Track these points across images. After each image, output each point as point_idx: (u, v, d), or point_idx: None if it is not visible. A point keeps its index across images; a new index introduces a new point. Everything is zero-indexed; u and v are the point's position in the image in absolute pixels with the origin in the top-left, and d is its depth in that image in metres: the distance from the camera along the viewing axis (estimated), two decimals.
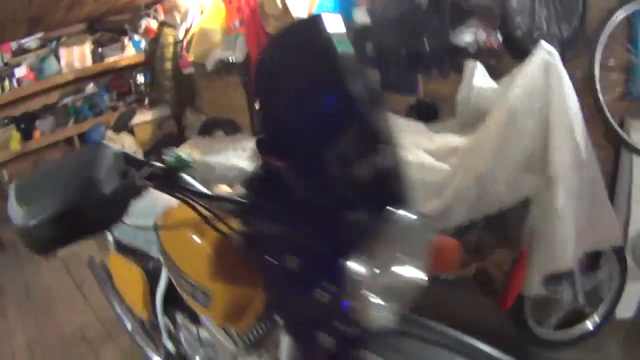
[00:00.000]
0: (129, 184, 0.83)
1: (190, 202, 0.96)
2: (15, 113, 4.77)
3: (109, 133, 5.00)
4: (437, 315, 1.03)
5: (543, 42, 1.72)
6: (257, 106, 0.95)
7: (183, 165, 0.99)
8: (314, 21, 0.88)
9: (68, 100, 5.01)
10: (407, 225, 0.85)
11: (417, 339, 1.00)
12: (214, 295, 1.10)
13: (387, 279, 0.86)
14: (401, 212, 0.85)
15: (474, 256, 1.99)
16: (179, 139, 4.64)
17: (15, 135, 4.57)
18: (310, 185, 0.86)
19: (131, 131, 5.05)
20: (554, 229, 1.74)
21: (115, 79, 5.21)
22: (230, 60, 3.48)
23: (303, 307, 0.90)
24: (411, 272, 0.89)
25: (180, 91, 4.78)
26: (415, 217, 0.86)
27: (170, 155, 0.98)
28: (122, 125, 5.03)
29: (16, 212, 0.78)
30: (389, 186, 0.88)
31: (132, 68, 5.09)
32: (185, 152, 1.08)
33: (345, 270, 0.80)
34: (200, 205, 0.97)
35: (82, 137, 5.07)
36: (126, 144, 5.05)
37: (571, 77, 1.74)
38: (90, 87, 5.08)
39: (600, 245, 1.97)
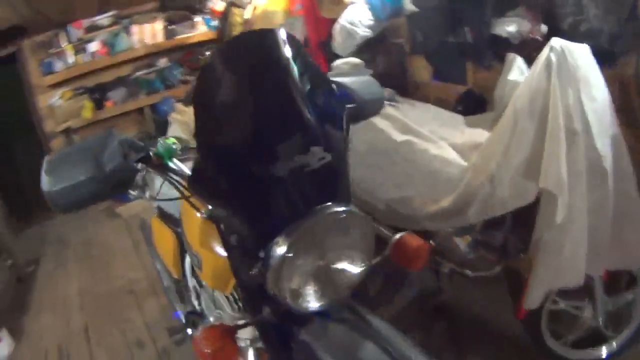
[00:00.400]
0: (127, 164, 1.02)
1: (172, 181, 1.13)
2: (88, 84, 5.08)
3: (178, 105, 5.23)
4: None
5: (554, 39, 1.57)
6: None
7: (170, 153, 1.18)
8: (268, 36, 1.01)
9: (140, 73, 5.28)
10: (339, 218, 0.96)
11: (349, 327, 1.05)
12: (202, 260, 1.25)
13: (311, 266, 0.97)
14: (333, 206, 0.95)
15: (499, 256, 1.94)
16: None
17: (88, 105, 4.90)
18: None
19: None
20: (559, 243, 1.61)
21: (187, 54, 5.42)
22: None
23: (250, 281, 1.01)
24: (343, 264, 1.00)
25: None
26: (346, 209, 0.95)
27: (161, 144, 1.18)
28: (191, 99, 5.25)
29: (44, 180, 1.00)
30: (325, 183, 0.97)
31: (203, 44, 5.29)
32: (173, 140, 1.23)
33: (268, 253, 0.93)
34: (181, 184, 1.13)
35: (153, 107, 5.33)
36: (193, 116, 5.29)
37: (617, 76, 1.61)
38: (163, 62, 5.32)
39: (628, 264, 1.81)
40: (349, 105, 1.11)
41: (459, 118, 2.24)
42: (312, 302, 1.00)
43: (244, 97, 0.97)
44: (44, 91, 5.00)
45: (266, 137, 0.94)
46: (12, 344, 3.09)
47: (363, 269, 1.02)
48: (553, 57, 1.55)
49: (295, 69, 0.99)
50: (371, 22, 2.56)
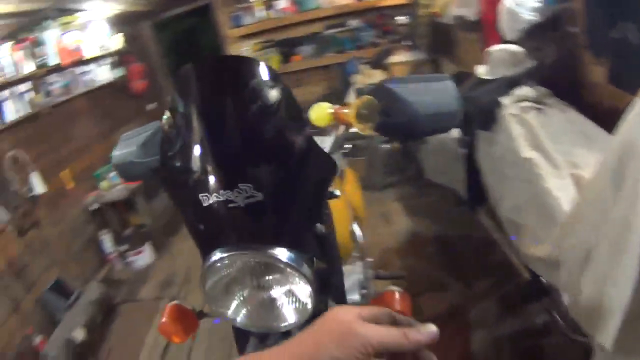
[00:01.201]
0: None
1: None
2: (277, 38, 5.38)
3: (364, 67, 5.28)
4: None
5: None
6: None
7: None
8: (242, 63, 0.97)
9: (332, 31, 5.38)
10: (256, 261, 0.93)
11: None
12: None
13: (242, 292, 0.98)
14: (252, 247, 0.91)
15: None
16: None
17: (276, 57, 5.23)
18: None
19: (386, 69, 5.23)
20: None
21: (380, 17, 5.36)
22: (466, 17, 3.28)
23: None
24: (282, 298, 0.98)
25: (436, 39, 4.71)
26: (268, 254, 0.90)
27: None
28: (379, 62, 5.25)
29: (113, 152, 1.19)
30: (257, 221, 0.93)
31: (396, 8, 5.16)
32: None
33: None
34: None
35: (340, 66, 5.44)
36: (375, 78, 5.28)
37: None
38: (354, 22, 5.35)
39: None
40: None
41: (604, 135, 1.82)
42: (252, 325, 1.01)
43: (197, 117, 0.94)
44: (234, 42, 5.44)
45: (199, 164, 0.92)
46: (152, 257, 3.58)
47: (302, 307, 0.97)
48: None
49: (256, 105, 0.93)
50: (539, 4, 2.18)
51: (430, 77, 1.10)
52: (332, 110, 1.13)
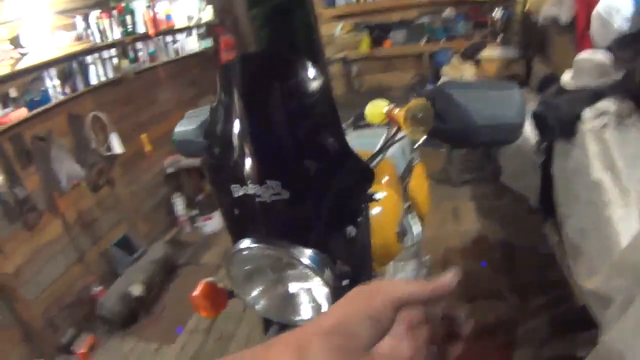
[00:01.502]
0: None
1: None
2: (370, 21, 5.30)
3: (455, 59, 5.10)
4: None
5: None
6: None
7: None
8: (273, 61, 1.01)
9: (425, 19, 5.23)
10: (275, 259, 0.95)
11: None
12: None
13: (263, 284, 1.01)
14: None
15: None
16: (520, 84, 4.46)
17: (366, 40, 5.18)
18: None
19: (477, 62, 5.04)
20: None
21: (474, 10, 5.13)
22: (559, 18, 3.05)
23: None
24: (300, 293, 1.01)
25: (530, 38, 4.45)
26: (284, 251, 0.92)
27: None
28: (470, 55, 5.05)
29: (176, 128, 1.29)
30: (282, 218, 0.95)
31: (492, 2, 4.91)
32: None
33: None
34: None
35: (431, 56, 5.30)
36: (467, 73, 5.09)
37: None
38: (449, 11, 5.15)
39: None
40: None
41: None
42: (270, 315, 1.05)
43: (235, 111, 0.96)
44: (326, 21, 5.45)
45: (232, 156, 0.95)
46: (220, 225, 3.70)
47: (319, 306, 1.00)
48: None
49: (292, 104, 0.95)
50: (632, 15, 1.97)
51: (495, 85, 1.04)
52: (386, 109, 1.11)
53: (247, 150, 0.92)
